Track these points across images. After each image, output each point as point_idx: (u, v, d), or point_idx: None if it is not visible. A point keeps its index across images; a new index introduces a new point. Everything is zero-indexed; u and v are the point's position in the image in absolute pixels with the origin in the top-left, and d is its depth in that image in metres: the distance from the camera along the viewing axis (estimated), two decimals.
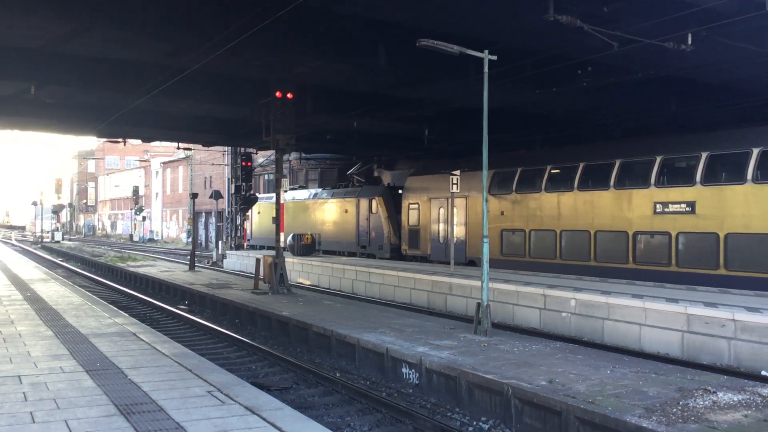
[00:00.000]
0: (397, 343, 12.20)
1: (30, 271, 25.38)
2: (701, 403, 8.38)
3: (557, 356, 11.26)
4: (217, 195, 39.43)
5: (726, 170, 17.66)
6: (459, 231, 25.18)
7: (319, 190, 35.65)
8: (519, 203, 22.58)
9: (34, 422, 6.27)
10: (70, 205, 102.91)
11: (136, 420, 6.33)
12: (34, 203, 76.46)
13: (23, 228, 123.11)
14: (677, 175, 18.54)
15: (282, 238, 21.63)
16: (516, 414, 9.11)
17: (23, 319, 12.67)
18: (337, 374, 12.04)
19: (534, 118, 23.73)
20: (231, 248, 37.85)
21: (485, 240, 13.44)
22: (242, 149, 37.85)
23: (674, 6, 12.52)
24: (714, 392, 8.88)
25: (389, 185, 31.86)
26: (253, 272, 22.46)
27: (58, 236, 70.18)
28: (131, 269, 30.67)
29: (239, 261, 33.51)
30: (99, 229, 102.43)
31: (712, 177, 17.61)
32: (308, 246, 30.99)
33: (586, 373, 9.94)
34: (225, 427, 6.17)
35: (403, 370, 11.50)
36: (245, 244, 39.10)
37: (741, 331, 12.12)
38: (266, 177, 50.28)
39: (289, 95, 18.68)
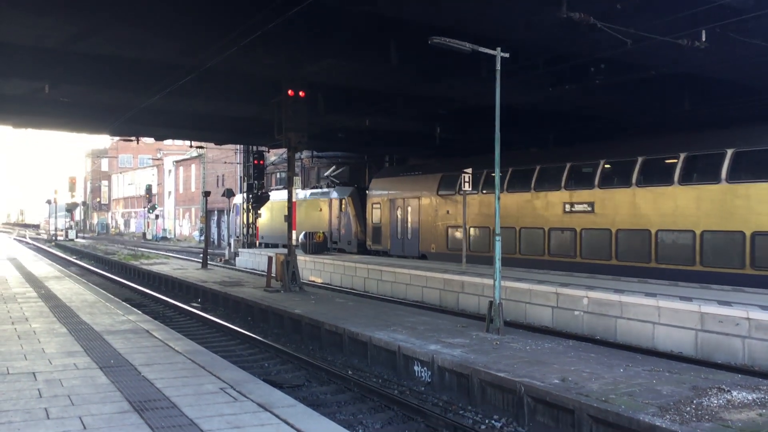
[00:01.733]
0: (409, 341, 12.20)
1: (44, 268, 25.56)
2: (715, 401, 8.33)
3: (570, 354, 11.22)
4: (229, 193, 39.55)
5: (617, 176, 20.32)
6: (412, 228, 28.07)
7: (300, 190, 37.82)
8: (461, 203, 23.85)
9: (48, 418, 6.31)
10: (84, 203, 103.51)
11: (150, 416, 6.36)
12: (48, 201, 77.06)
13: (37, 226, 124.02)
14: (581, 180, 21.27)
15: (293, 236, 21.64)
16: (529, 412, 9.09)
17: (38, 316, 12.76)
18: (350, 372, 12.05)
19: (546, 115, 23.65)
20: (243, 246, 37.98)
21: (497, 238, 13.41)
22: (254, 147, 37.94)
23: (688, 3, 12.45)
24: (728, 391, 8.82)
25: (358, 186, 34.09)
26: (266, 270, 22.52)
27: (71, 234, 70.70)
28: (144, 267, 30.83)
29: (251, 259, 33.61)
30: (112, 227, 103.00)
31: (607, 182, 20.39)
32: (320, 244, 31.06)
33: (599, 372, 9.90)
34: (238, 423, 6.18)
35: (416, 368, 11.49)
36: (257, 242, 39.26)
37: (755, 329, 12.03)
38: (278, 175, 50.36)
39: (301, 93, 18.72)
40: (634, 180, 19.46)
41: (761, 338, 11.92)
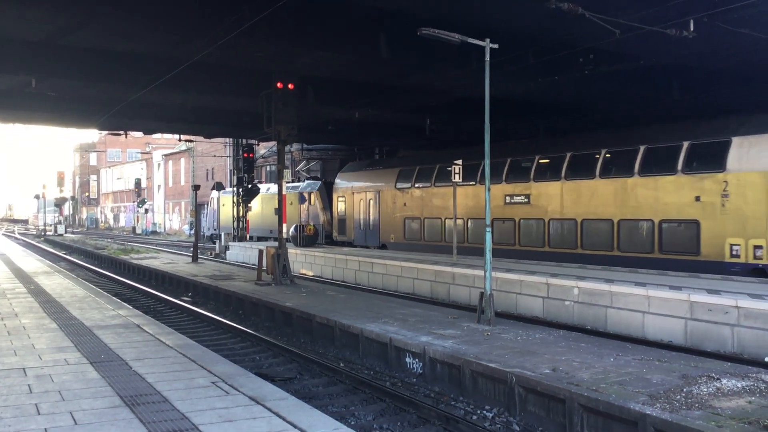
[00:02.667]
0: (400, 333, 12.22)
1: (33, 264, 25.44)
2: (705, 390, 8.38)
3: (560, 344, 11.27)
4: (219, 186, 39.45)
5: (549, 171, 22.24)
6: (374, 220, 30.07)
7: (272, 185, 39.62)
8: (417, 196, 27.12)
9: (39, 414, 6.28)
10: (73, 198, 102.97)
11: (141, 411, 6.34)
12: (37, 196, 76.66)
13: (26, 221, 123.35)
14: (520, 174, 23.21)
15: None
16: (520, 402, 9.13)
17: (27, 311, 12.70)
18: (341, 364, 12.07)
19: (536, 106, 23.70)
20: (234, 239, 37.92)
21: (488, 229, 13.46)
22: (244, 141, 37.81)
23: None
24: (718, 379, 8.88)
25: (326, 181, 35.99)
26: (256, 264, 22.49)
27: (60, 229, 70.25)
28: (134, 261, 30.72)
29: (242, 252, 33.55)
30: (102, 221, 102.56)
31: (540, 176, 22.44)
32: (310, 237, 31.03)
33: (589, 361, 9.95)
34: (230, 416, 6.18)
35: (407, 359, 11.52)
36: (247, 236, 39.25)
37: (744, 317, 12.11)
38: (268, 168, 50.24)
39: (290, 86, 18.64)
40: (563, 174, 21.45)
41: (750, 326, 12.01)
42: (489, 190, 13.81)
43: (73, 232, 75.60)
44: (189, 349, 9.35)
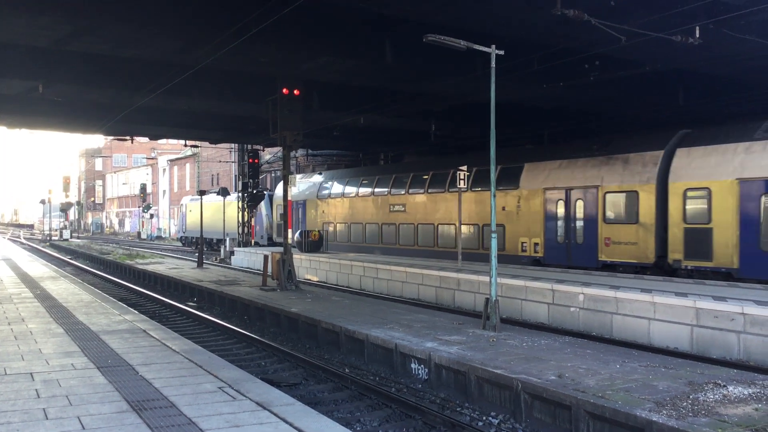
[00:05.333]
0: (406, 339, 12.22)
1: (39, 268, 25.51)
2: (711, 396, 8.37)
3: (566, 351, 11.26)
4: (224, 192, 39.51)
5: (417, 185, 28.21)
6: (302, 224, 35.34)
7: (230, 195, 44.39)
8: (332, 206, 33.78)
9: (47, 418, 6.30)
10: (78, 203, 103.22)
11: (149, 416, 6.36)
12: (42, 201, 76.74)
13: (31, 226, 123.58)
14: (400, 186, 29.29)
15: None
16: (526, 409, 9.12)
17: (34, 316, 12.74)
18: (347, 370, 12.07)
19: (541, 112, 23.72)
20: (239, 245, 37.98)
21: (493, 235, 13.47)
22: (249, 146, 37.88)
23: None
24: (724, 386, 8.86)
25: (269, 192, 41.92)
26: (261, 269, 22.52)
27: (66, 234, 70.46)
28: (140, 267, 30.78)
29: (247, 258, 33.59)
30: (107, 226, 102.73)
31: (414, 189, 28.37)
32: (315, 242, 31.06)
33: (595, 368, 9.94)
34: (237, 422, 6.19)
35: (413, 365, 11.52)
36: (252, 241, 39.41)
37: (751, 324, 12.09)
38: (273, 174, 50.30)
39: (296, 92, 18.70)
40: (426, 188, 27.53)
41: (756, 333, 11.98)
42: (494, 196, 13.83)
43: (78, 237, 75.84)
44: (195, 355, 9.37)
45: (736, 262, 17.14)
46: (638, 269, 19.39)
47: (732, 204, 17.22)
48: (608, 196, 20.39)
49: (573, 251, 21.14)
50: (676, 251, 18.45)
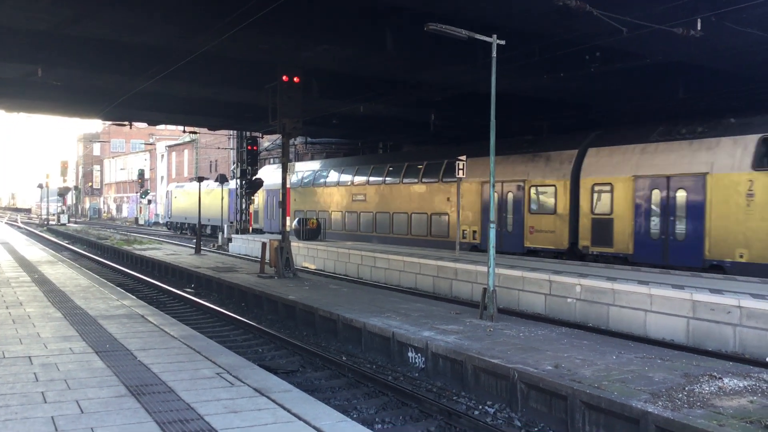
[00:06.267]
0: (403, 328, 12.26)
1: (37, 253, 25.50)
2: (707, 388, 8.41)
3: (563, 341, 11.30)
4: (222, 179, 39.47)
5: (378, 175, 30.81)
6: (276, 212, 37.04)
7: (209, 182, 46.11)
8: (303, 194, 36.76)
9: (46, 402, 6.32)
10: (76, 188, 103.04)
11: (147, 401, 6.38)
12: (40, 186, 76.70)
13: (29, 210, 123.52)
14: (363, 177, 31.60)
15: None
16: (522, 398, 9.16)
17: (32, 300, 12.75)
18: (344, 358, 12.11)
19: (541, 103, 23.69)
20: (236, 232, 37.98)
21: (492, 226, 13.48)
22: (248, 133, 37.83)
23: None
24: (720, 378, 8.91)
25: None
26: (259, 256, 22.52)
27: (63, 219, 70.37)
28: (137, 252, 30.78)
29: (244, 245, 33.61)
30: (104, 212, 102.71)
31: (374, 179, 30.85)
32: (314, 230, 31.08)
33: (591, 359, 9.98)
34: (235, 408, 6.22)
35: (410, 354, 11.55)
36: (250, 228, 39.46)
37: (747, 317, 12.14)
38: (271, 161, 50.25)
39: (295, 79, 18.65)
40: (384, 179, 30.31)
41: (752, 326, 12.03)
42: (493, 186, 13.82)
43: (75, 222, 75.74)
44: (193, 340, 9.39)
45: (631, 248, 19.67)
46: (556, 255, 21.86)
47: (629, 198, 19.74)
48: (533, 189, 22.84)
49: (504, 238, 23.31)
50: (585, 239, 21.00)
